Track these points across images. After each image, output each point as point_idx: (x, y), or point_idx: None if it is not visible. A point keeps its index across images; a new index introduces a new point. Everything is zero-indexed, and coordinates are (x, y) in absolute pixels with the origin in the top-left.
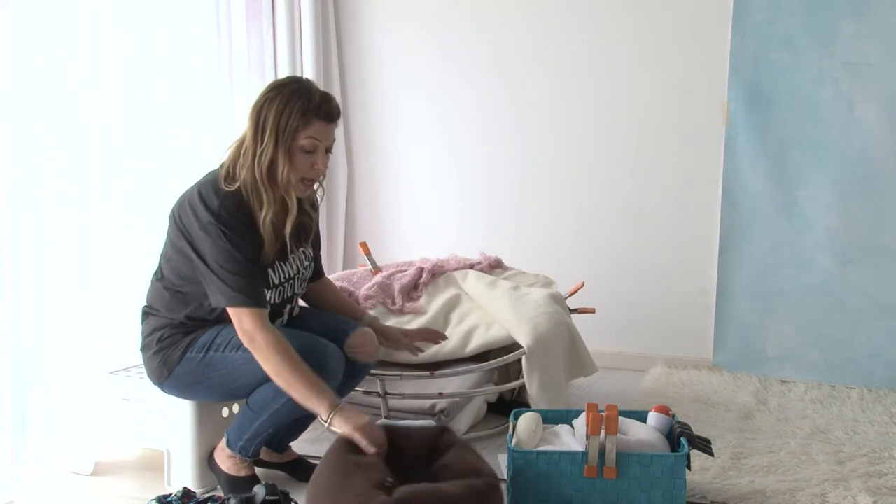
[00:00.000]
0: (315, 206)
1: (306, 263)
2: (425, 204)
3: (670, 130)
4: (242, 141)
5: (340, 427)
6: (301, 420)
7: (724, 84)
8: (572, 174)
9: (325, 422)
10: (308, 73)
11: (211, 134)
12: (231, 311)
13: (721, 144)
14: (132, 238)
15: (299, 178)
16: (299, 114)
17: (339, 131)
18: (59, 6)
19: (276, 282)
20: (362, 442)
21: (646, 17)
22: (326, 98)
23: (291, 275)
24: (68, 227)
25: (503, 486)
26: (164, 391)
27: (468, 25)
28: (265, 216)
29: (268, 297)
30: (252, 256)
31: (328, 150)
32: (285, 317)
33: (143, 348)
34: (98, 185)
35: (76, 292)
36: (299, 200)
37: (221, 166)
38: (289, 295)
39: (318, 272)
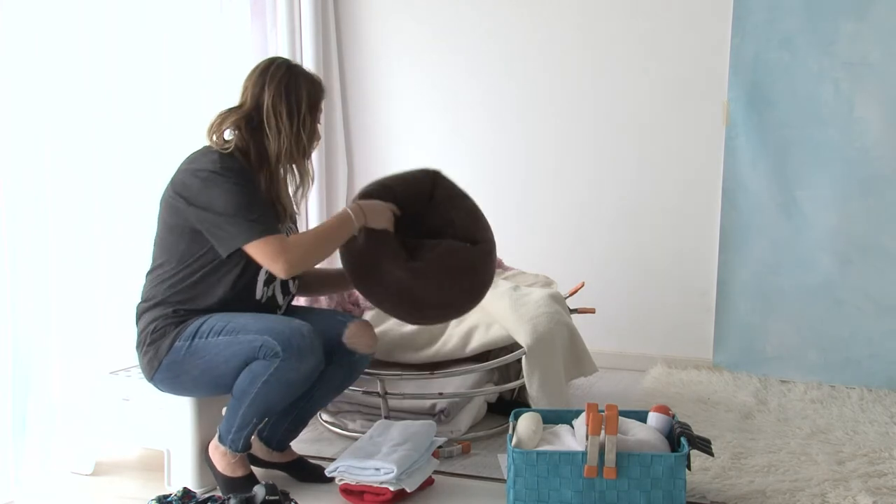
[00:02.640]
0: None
1: None
2: None
3: (670, 130)
4: (260, 116)
5: (376, 225)
6: (299, 417)
7: (724, 84)
8: (572, 174)
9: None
10: None
11: None
12: (252, 247)
13: (721, 144)
14: (133, 238)
15: (312, 149)
16: (319, 88)
17: (339, 131)
18: (61, 4)
19: None
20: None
21: (646, 17)
22: None
23: None
24: (69, 227)
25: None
26: (156, 387)
27: (468, 26)
28: (283, 181)
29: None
30: (253, 188)
31: None
32: (277, 281)
33: (138, 345)
34: (99, 185)
35: (76, 292)
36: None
37: (223, 143)
38: None
39: None
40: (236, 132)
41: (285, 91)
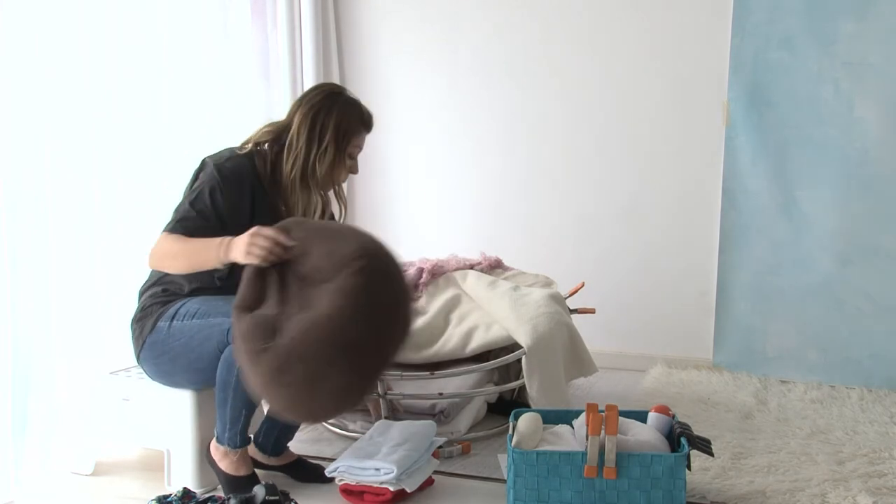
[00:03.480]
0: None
1: None
2: (425, 204)
3: (670, 130)
4: (287, 137)
5: (234, 258)
6: (286, 425)
7: (724, 84)
8: (572, 174)
9: (223, 264)
10: (308, 72)
11: (215, 133)
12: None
13: (721, 144)
14: (133, 238)
15: (338, 180)
16: (356, 122)
17: None
18: (62, 4)
19: None
20: (258, 258)
21: (646, 17)
22: (368, 111)
23: None
24: (69, 227)
25: (381, 253)
26: (142, 368)
27: (469, 27)
28: (294, 206)
29: None
30: (222, 210)
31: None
32: None
33: (130, 324)
34: (100, 185)
35: (77, 292)
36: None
37: (251, 144)
38: None
39: None
40: (266, 144)
41: (313, 117)
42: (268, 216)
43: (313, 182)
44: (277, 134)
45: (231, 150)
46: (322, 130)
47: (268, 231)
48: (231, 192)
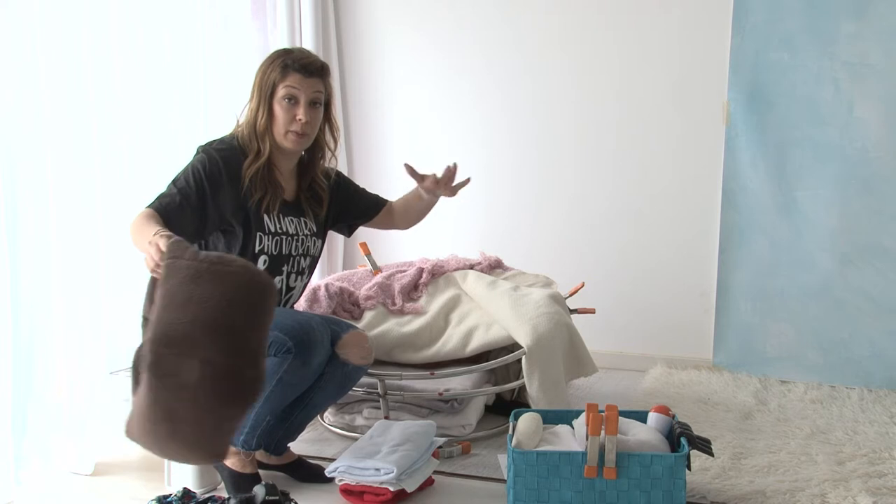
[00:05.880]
0: (328, 175)
1: (306, 232)
2: None
3: (670, 130)
4: None
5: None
6: (295, 424)
7: (724, 84)
8: (572, 173)
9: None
10: None
11: (216, 132)
12: None
13: (721, 144)
14: None
15: (284, 130)
16: (278, 68)
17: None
18: (63, 4)
19: (272, 230)
20: (149, 269)
21: (646, 17)
22: (304, 53)
23: (290, 232)
24: (70, 226)
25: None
26: None
27: (470, 26)
28: (250, 165)
29: (264, 244)
30: (203, 186)
31: (314, 104)
32: (284, 277)
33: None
34: (100, 183)
35: (77, 292)
36: (311, 168)
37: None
38: (286, 252)
39: (378, 204)
40: None
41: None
42: (270, 187)
43: (259, 137)
44: None
45: (223, 138)
46: (253, 86)
47: (148, 247)
48: (213, 168)
